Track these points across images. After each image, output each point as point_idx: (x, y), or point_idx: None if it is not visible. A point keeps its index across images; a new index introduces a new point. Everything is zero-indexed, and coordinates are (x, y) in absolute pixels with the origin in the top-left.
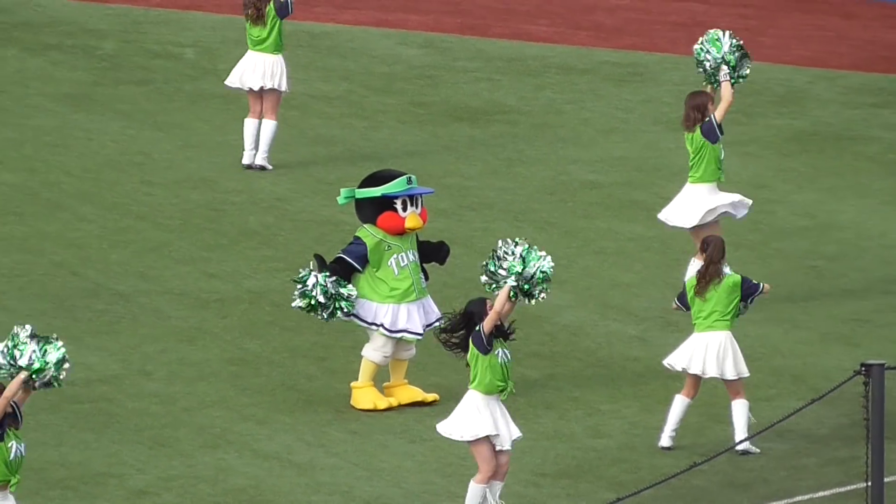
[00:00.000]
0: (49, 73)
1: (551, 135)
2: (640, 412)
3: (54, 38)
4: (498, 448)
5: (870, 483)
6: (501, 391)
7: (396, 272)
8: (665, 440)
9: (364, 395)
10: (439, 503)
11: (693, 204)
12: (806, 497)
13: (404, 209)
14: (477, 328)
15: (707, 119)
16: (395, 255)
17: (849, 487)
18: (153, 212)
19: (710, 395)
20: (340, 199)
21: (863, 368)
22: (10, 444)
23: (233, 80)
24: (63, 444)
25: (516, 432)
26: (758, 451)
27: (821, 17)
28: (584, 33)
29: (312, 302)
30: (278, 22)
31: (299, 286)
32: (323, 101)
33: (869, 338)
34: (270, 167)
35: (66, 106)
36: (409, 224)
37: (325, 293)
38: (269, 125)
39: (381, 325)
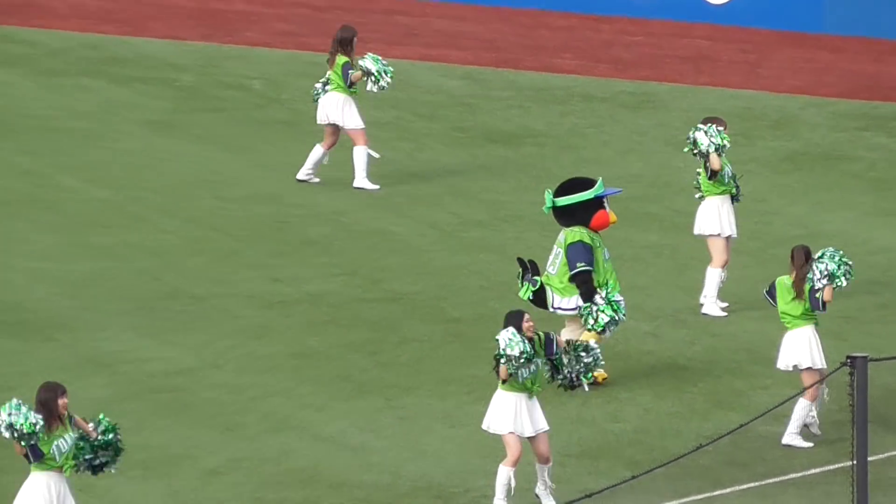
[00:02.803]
0: (134, 101)
1: (575, 156)
2: (654, 399)
3: (138, 70)
4: (519, 435)
5: (855, 462)
6: (529, 390)
7: (604, 266)
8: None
9: None
10: (476, 481)
11: (712, 215)
12: (798, 475)
13: (606, 206)
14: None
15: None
16: (604, 250)
17: (836, 466)
18: (225, 224)
19: (715, 382)
20: (545, 208)
21: (849, 360)
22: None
23: (318, 117)
24: (144, 429)
25: (541, 425)
26: (808, 444)
27: (811, 51)
28: (603, 66)
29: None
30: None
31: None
32: (375, 126)
33: (855, 333)
34: (375, 187)
35: (148, 131)
36: (612, 218)
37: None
38: (355, 150)
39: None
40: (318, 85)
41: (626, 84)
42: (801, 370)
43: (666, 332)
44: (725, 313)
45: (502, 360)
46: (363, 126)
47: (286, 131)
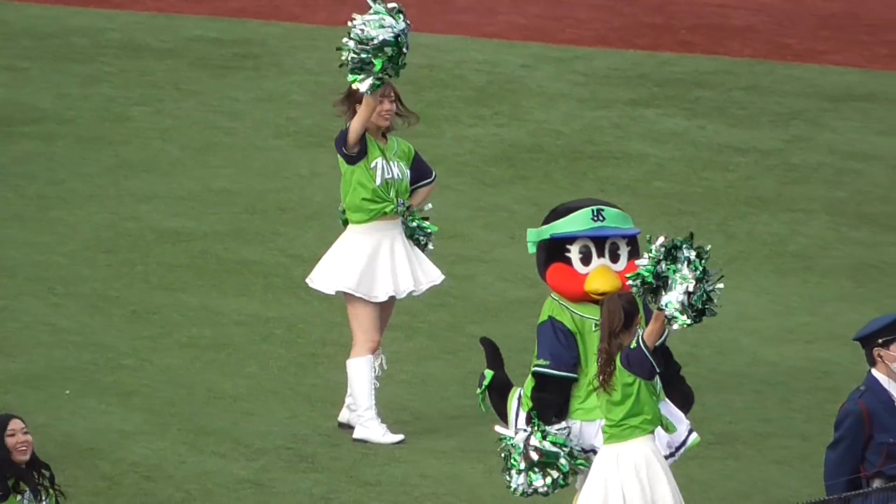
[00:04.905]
0: None
1: (112, 156)
2: None
3: None
4: None
5: None
6: None
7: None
8: None
9: None
10: None
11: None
12: None
13: (585, 261)
14: None
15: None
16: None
17: None
18: None
19: None
20: (530, 247)
21: None
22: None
23: None
24: None
25: None
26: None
27: None
28: None
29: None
30: None
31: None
32: None
33: None
34: None
35: None
36: (593, 284)
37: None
38: None
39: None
40: None
41: (205, 22)
42: None
43: (274, 478)
44: (402, 437)
45: None
46: None
47: None
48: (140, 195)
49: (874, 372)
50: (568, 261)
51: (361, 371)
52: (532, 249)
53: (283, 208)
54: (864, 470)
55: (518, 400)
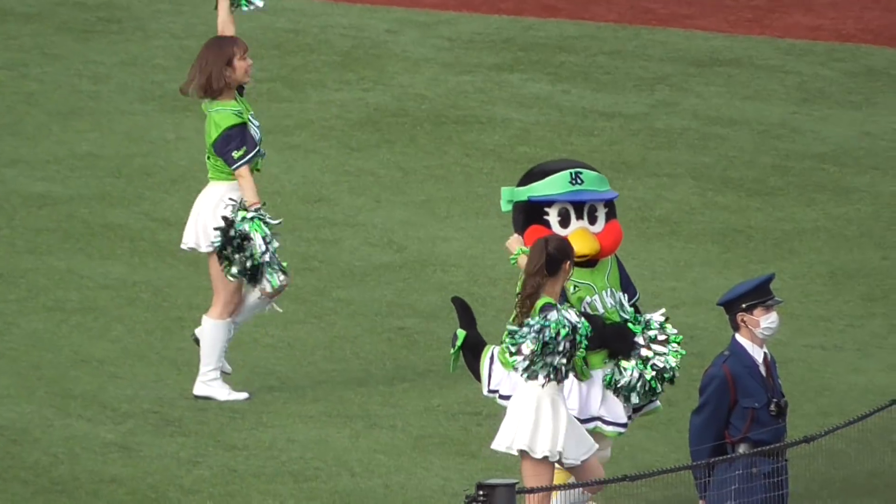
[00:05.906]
0: None
1: None
2: None
3: None
4: None
5: None
6: None
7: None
8: None
9: None
10: None
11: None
12: None
13: (564, 224)
14: None
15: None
16: (585, 301)
17: None
18: None
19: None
20: (503, 205)
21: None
22: None
23: None
24: None
25: None
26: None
27: None
28: None
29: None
30: None
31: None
32: None
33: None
34: None
35: None
36: (579, 247)
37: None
38: None
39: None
40: None
41: None
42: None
43: (140, 442)
44: (246, 394)
45: None
46: None
47: None
48: (5, 159)
49: (738, 337)
50: (546, 223)
51: (220, 333)
52: (506, 208)
53: (149, 172)
54: (729, 435)
55: (491, 358)
